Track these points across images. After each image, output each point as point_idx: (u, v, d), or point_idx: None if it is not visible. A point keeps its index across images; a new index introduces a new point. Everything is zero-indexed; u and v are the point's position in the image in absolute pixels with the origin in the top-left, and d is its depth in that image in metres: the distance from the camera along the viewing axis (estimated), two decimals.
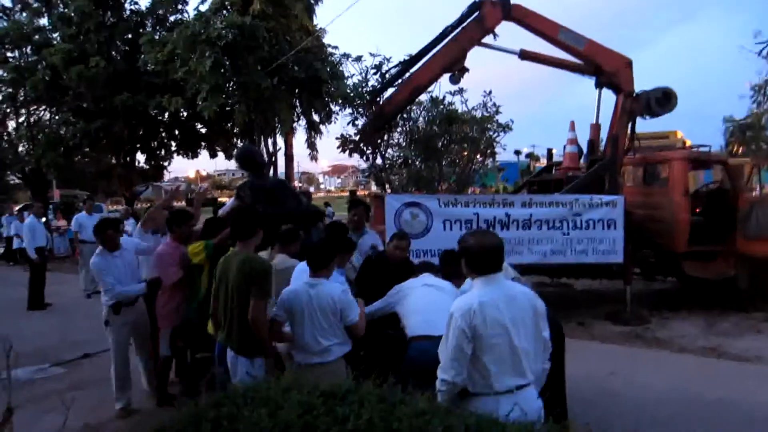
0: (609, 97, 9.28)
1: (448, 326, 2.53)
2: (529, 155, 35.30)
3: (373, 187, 10.69)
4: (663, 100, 8.86)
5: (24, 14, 20.50)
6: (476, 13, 8.52)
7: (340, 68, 15.88)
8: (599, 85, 9.22)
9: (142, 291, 4.88)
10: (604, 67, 8.88)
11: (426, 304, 3.67)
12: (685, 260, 8.34)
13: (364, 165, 10.90)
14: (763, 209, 8.07)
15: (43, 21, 20.07)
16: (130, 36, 18.82)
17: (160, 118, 19.57)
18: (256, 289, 3.39)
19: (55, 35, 18.93)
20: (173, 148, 21.71)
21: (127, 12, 19.28)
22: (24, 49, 19.48)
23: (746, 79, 10.49)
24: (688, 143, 12.11)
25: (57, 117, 19.80)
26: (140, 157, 21.76)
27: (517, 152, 33.93)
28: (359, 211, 5.59)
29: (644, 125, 9.68)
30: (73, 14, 17.83)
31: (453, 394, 2.50)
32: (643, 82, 8.83)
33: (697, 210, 8.96)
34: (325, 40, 17.61)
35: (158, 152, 21.71)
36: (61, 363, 6.31)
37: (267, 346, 3.48)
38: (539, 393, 2.65)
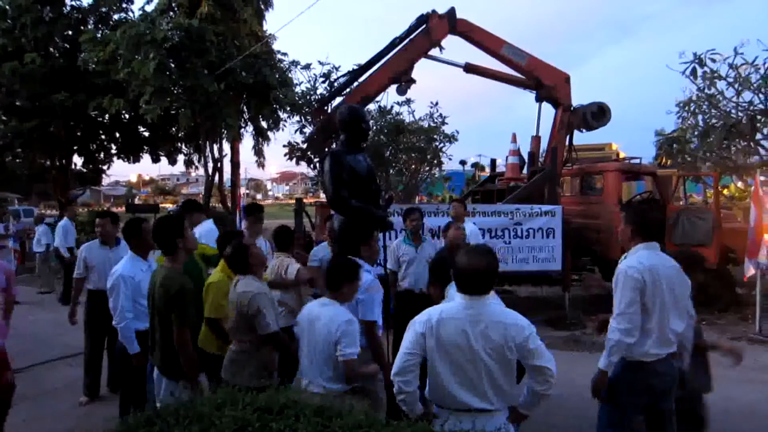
0: (549, 110, 9.73)
1: (407, 332, 2.54)
2: (475, 165, 35.92)
3: (322, 196, 10.74)
4: (598, 114, 9.36)
5: None
6: (424, 26, 8.75)
7: (289, 75, 15.82)
8: (539, 99, 9.63)
9: None
10: (544, 81, 9.29)
11: None
12: None
13: (312, 173, 10.94)
14: (688, 217, 8.62)
15: None
16: (70, 33, 18.08)
17: (100, 119, 18.87)
18: (177, 314, 3.17)
19: None
20: (113, 151, 20.99)
21: (68, 8, 18.53)
22: None
23: (678, 94, 11.22)
24: (622, 155, 12.76)
25: None
26: (77, 160, 20.93)
27: (463, 162, 34.49)
28: (416, 217, 5.60)
29: (583, 137, 10.20)
30: (8, 7, 16.97)
31: (411, 400, 2.49)
32: (586, 95, 9.31)
33: None
34: (275, 47, 17.44)
35: (97, 155, 20.92)
36: None
37: (191, 373, 3.27)
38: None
